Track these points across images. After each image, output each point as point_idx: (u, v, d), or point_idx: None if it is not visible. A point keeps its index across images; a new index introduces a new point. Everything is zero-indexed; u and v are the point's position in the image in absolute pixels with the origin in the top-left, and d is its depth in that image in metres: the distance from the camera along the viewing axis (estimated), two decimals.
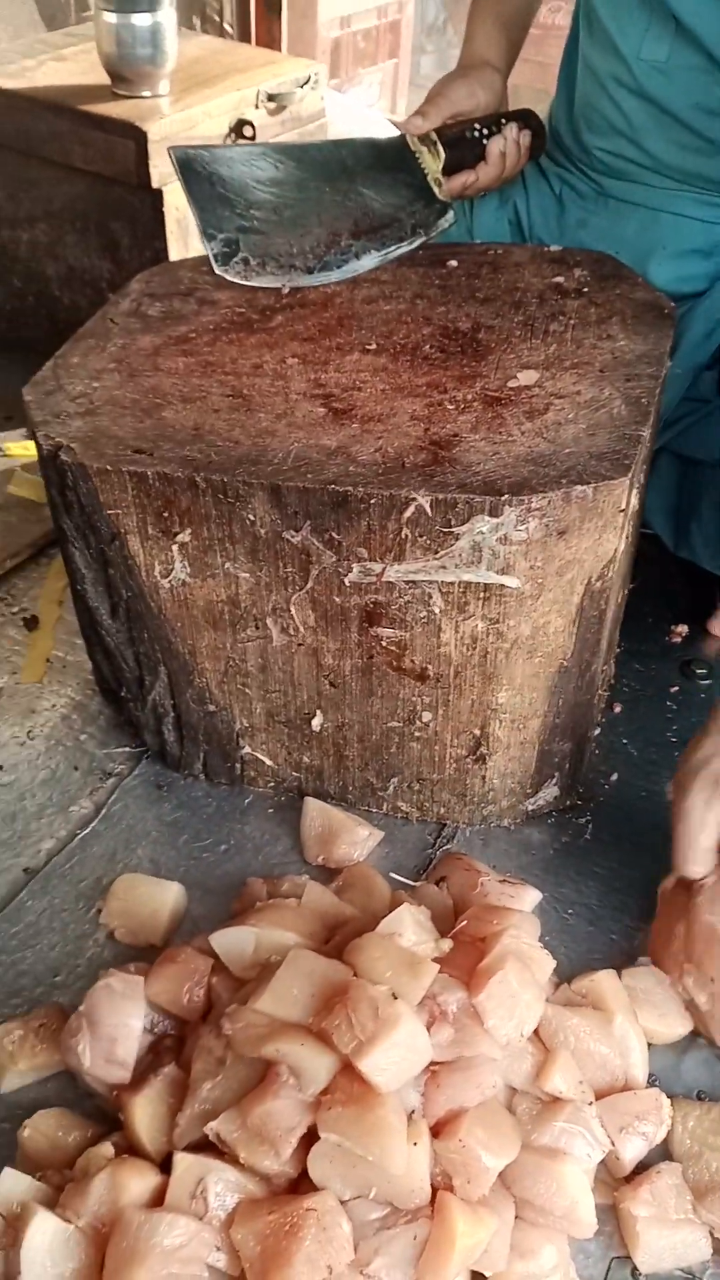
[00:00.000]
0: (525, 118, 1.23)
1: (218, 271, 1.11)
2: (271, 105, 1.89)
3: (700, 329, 1.18)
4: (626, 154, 1.22)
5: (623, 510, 0.88)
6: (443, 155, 1.17)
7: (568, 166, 1.32)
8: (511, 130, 1.20)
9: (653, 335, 1.03)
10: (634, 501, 0.94)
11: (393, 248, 1.15)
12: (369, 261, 1.14)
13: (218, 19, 2.68)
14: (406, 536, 0.86)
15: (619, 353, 1.00)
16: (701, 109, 1.14)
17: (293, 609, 0.93)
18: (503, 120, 1.20)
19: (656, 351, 1.01)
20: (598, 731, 1.16)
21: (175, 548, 0.93)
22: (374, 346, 1.03)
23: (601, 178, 1.28)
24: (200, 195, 1.11)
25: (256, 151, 1.15)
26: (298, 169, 1.15)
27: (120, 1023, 0.80)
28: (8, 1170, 0.74)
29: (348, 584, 0.90)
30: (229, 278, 1.11)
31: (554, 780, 1.05)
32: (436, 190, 1.17)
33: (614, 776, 1.12)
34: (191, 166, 1.11)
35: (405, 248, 1.16)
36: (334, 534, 0.87)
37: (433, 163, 1.17)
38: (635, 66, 1.16)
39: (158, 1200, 0.71)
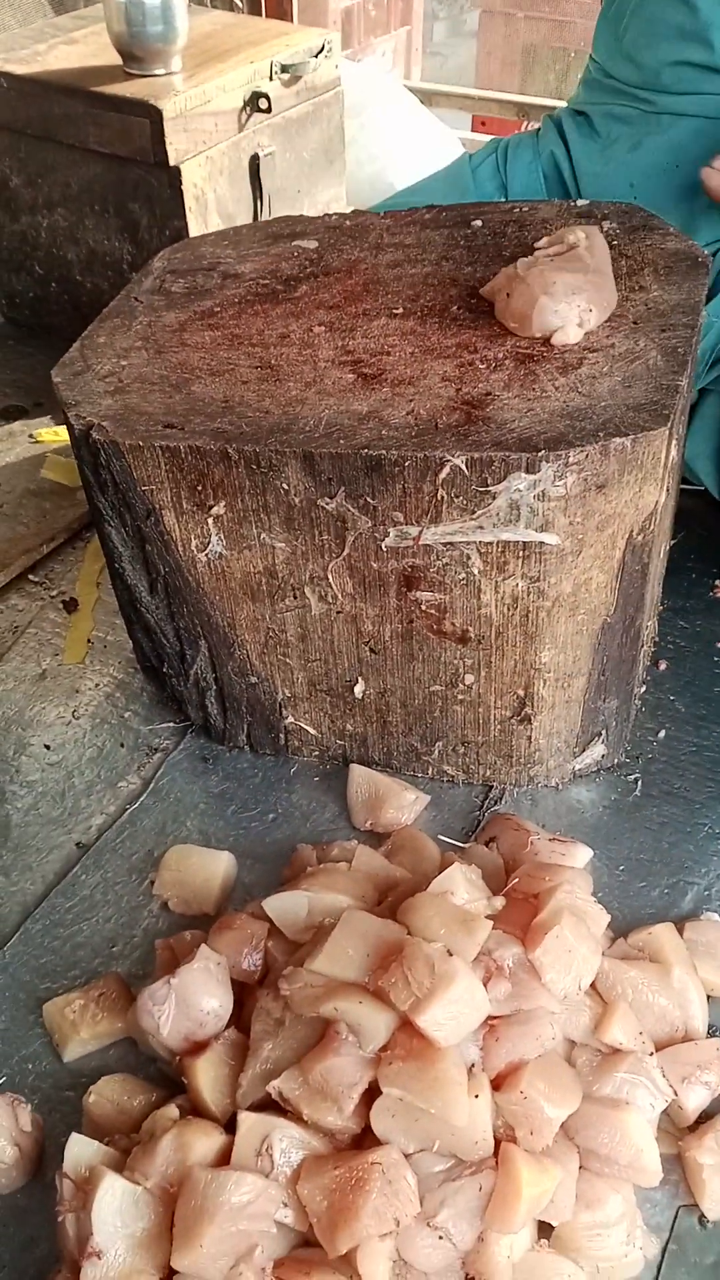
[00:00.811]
0: None
1: None
2: (285, 77, 1.87)
3: None
4: (694, 58, 1.20)
5: (662, 462, 0.87)
6: None
7: (612, 102, 1.29)
8: None
9: (686, 284, 1.01)
10: (674, 453, 0.93)
11: None
12: None
13: None
14: (442, 498, 0.85)
15: (652, 303, 0.99)
16: None
17: (330, 577, 0.93)
18: None
19: (691, 300, 0.99)
20: (643, 689, 1.15)
21: (210, 521, 0.93)
22: (401, 310, 1.02)
23: (656, 95, 1.25)
24: None
25: None
26: None
27: (210, 1010, 0.81)
28: (75, 1135, 0.75)
29: (384, 549, 0.90)
30: None
31: (601, 738, 1.05)
32: None
33: (661, 733, 1.11)
34: None
35: None
36: (369, 499, 0.87)
37: None
38: None
39: (223, 1160, 0.72)
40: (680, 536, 1.28)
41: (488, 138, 3.08)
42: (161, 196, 1.71)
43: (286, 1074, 0.75)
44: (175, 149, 1.66)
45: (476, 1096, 0.72)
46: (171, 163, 1.66)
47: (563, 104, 1.46)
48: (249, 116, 1.82)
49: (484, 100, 3.14)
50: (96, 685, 1.20)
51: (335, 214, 1.24)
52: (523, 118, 3.08)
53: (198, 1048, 0.80)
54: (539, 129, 1.43)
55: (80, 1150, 0.74)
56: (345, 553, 0.91)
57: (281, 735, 1.09)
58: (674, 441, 0.91)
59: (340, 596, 0.94)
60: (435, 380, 0.92)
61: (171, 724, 1.15)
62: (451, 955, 0.75)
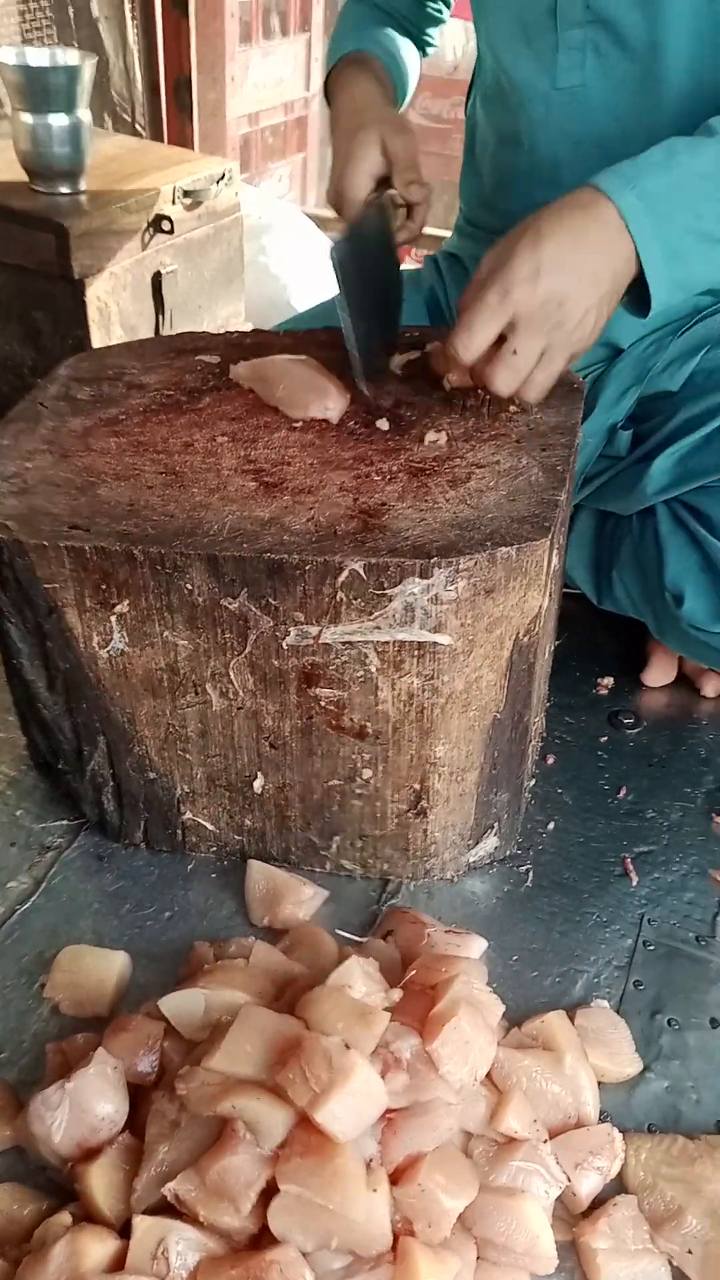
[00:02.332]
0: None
1: (361, 386, 1.11)
2: (188, 201, 1.97)
3: (614, 390, 1.25)
4: (548, 197, 1.28)
5: (545, 569, 0.93)
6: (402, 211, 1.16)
7: (478, 248, 1.39)
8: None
9: (564, 407, 1.10)
10: (555, 561, 0.99)
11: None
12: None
13: (128, 118, 2.79)
14: (341, 600, 0.89)
15: (534, 424, 1.07)
16: (621, 122, 1.17)
17: (232, 673, 0.96)
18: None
19: (569, 422, 1.07)
20: (533, 782, 1.20)
21: (113, 619, 0.95)
22: (300, 424, 1.08)
23: None
24: (350, 297, 1.06)
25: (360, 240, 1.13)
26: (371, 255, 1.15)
27: (105, 1115, 0.79)
28: None
29: (285, 647, 0.93)
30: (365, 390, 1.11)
31: (493, 831, 1.08)
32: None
33: (551, 825, 1.16)
34: (344, 267, 1.06)
35: None
36: (271, 600, 0.90)
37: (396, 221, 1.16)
38: (552, 100, 1.20)
39: (118, 1265, 0.70)
40: (564, 638, 1.35)
41: None
42: (65, 307, 1.76)
43: (182, 1175, 0.74)
44: (80, 264, 1.72)
45: (375, 1191, 0.72)
46: (76, 277, 1.72)
47: (449, 234, 1.57)
48: (152, 236, 1.90)
49: None
50: None
51: (236, 331, 1.30)
52: (413, 246, 3.27)
53: (91, 1154, 0.79)
54: (420, 268, 1.53)
55: None
56: (247, 650, 0.94)
57: (179, 831, 1.09)
58: (555, 550, 0.97)
59: (241, 693, 0.97)
60: (334, 490, 0.97)
61: (65, 821, 1.14)
62: (349, 1049, 0.76)
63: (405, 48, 1.38)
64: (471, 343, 0.99)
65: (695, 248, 1.01)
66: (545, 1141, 0.80)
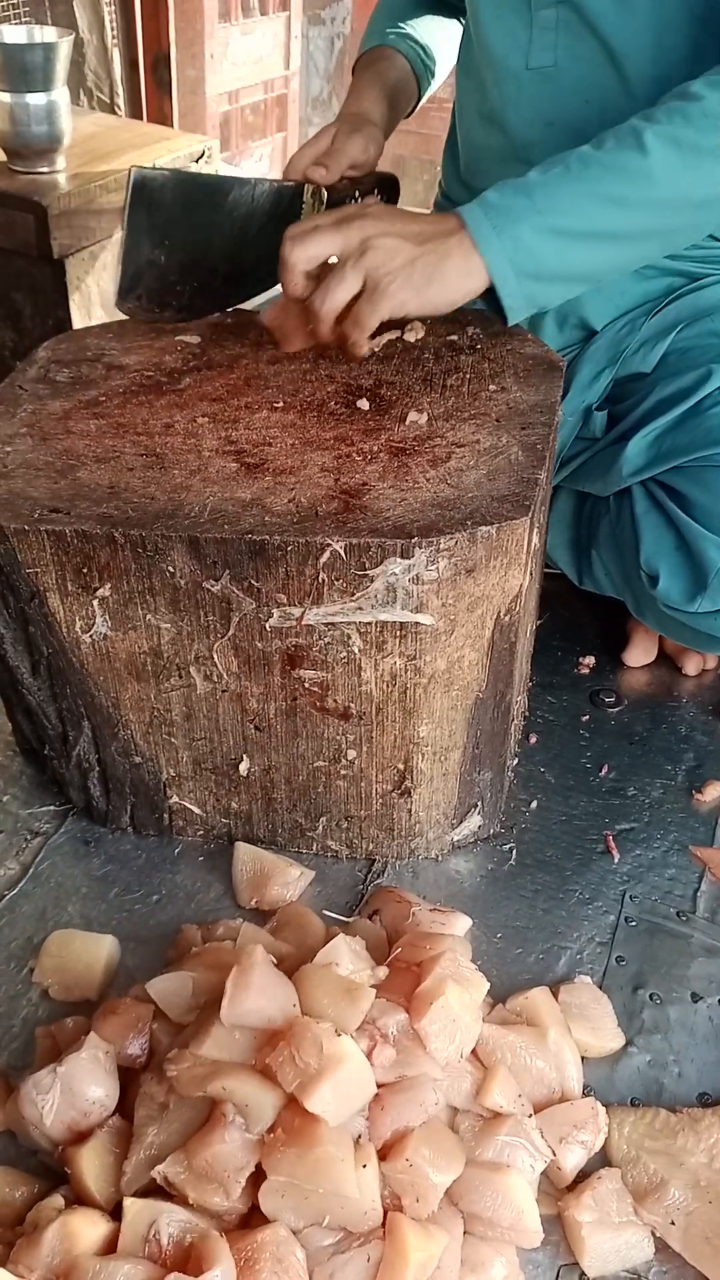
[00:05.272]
0: (389, 188, 1.30)
1: (116, 304, 1.18)
2: None
3: (588, 372, 1.25)
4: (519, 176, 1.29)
5: (525, 548, 0.93)
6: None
7: None
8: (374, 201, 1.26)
9: (544, 386, 1.10)
10: (535, 540, 0.99)
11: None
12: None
13: (106, 96, 2.76)
14: (323, 581, 0.89)
15: (513, 403, 1.07)
16: (590, 105, 1.18)
17: (215, 656, 0.96)
18: (375, 190, 1.27)
19: (548, 401, 1.07)
20: (515, 761, 1.20)
21: (95, 602, 0.95)
22: (281, 404, 1.07)
23: None
24: (135, 222, 1.14)
25: (195, 182, 1.19)
26: (215, 204, 1.19)
27: (96, 1100, 0.80)
28: None
29: (268, 629, 0.93)
30: (121, 311, 1.19)
31: (477, 810, 1.09)
32: None
33: (533, 804, 1.16)
34: (142, 190, 1.14)
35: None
36: (253, 581, 0.90)
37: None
38: (523, 80, 1.20)
39: (110, 1247, 0.71)
40: (545, 617, 1.36)
41: None
42: (45, 288, 1.75)
43: (172, 1157, 0.74)
44: (59, 244, 1.70)
45: (364, 1167, 0.73)
46: (55, 256, 1.70)
47: (429, 213, 1.56)
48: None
49: None
50: None
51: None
52: None
53: (82, 1137, 0.79)
54: None
55: None
56: (230, 633, 0.94)
57: (165, 815, 1.10)
58: (535, 529, 0.97)
59: (225, 675, 0.97)
60: (315, 470, 0.96)
61: (52, 807, 1.14)
62: (339, 1035, 0.76)
63: (439, 28, 1.41)
64: (304, 253, 1.04)
65: (545, 241, 1.05)
66: (530, 1116, 0.81)
